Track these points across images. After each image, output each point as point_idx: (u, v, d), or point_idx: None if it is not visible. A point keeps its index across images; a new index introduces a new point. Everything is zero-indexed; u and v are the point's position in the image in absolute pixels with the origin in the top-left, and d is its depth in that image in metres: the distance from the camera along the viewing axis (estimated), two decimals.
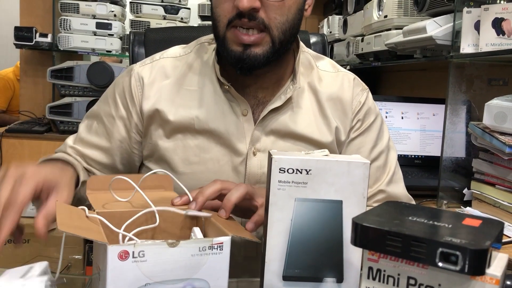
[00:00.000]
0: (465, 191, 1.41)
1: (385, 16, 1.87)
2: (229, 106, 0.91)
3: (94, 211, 0.67)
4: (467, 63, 1.43)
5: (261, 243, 0.92)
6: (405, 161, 1.76)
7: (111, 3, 2.63)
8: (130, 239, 0.65)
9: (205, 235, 0.69)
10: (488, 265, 0.39)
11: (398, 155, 1.75)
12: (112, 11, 2.61)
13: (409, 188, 1.50)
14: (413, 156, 1.77)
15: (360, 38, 2.17)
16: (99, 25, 2.61)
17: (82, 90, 2.49)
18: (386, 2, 1.86)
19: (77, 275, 0.69)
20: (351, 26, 2.35)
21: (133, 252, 0.54)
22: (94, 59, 2.91)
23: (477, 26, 1.33)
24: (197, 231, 0.67)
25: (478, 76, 1.46)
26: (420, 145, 1.77)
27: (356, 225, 0.43)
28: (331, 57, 2.57)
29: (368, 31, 2.06)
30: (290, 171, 0.62)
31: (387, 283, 0.44)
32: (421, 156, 1.77)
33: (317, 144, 0.92)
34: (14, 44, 2.62)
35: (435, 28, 1.48)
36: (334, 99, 0.94)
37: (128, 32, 2.74)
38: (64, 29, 2.60)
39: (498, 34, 1.25)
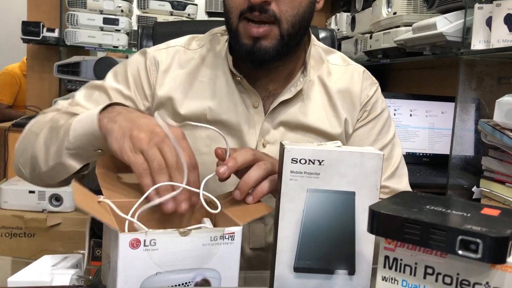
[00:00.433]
0: (474, 189, 1.39)
1: (394, 13, 1.85)
2: (240, 98, 0.91)
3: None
4: (478, 60, 1.42)
5: (270, 233, 0.93)
6: (414, 159, 1.75)
7: None
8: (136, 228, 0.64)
9: (215, 225, 0.69)
10: (509, 254, 0.38)
11: (407, 152, 1.76)
12: (119, 7, 2.61)
13: (417, 186, 1.51)
14: (421, 154, 1.76)
15: (368, 35, 2.16)
16: (106, 21, 2.61)
17: None
18: None
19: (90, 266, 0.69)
20: (359, 23, 2.34)
21: (144, 240, 0.54)
22: (101, 54, 2.91)
23: (488, 22, 1.31)
24: (207, 221, 0.67)
25: (489, 73, 1.45)
26: (428, 143, 1.76)
27: (373, 212, 0.43)
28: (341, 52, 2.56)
29: (376, 28, 2.05)
30: (303, 161, 0.62)
31: (404, 272, 0.43)
32: (430, 154, 1.76)
33: (326, 136, 0.92)
34: (22, 38, 2.63)
35: (446, 24, 1.47)
36: (344, 92, 0.94)
37: (135, 28, 2.74)
38: (71, 24, 2.60)
39: (510, 30, 1.23)
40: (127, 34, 2.67)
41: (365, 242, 0.62)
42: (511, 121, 1.23)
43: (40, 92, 2.82)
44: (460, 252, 0.38)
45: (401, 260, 0.43)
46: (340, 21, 2.60)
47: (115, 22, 2.61)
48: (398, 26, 1.85)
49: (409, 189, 0.97)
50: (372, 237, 0.62)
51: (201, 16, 2.94)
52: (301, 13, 0.83)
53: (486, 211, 0.44)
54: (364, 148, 0.64)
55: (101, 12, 2.61)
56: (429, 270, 0.42)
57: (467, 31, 1.40)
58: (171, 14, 2.73)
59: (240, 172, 0.72)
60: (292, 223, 0.62)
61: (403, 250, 0.43)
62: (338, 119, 0.93)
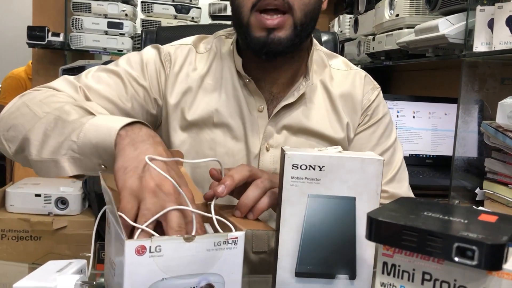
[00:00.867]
0: (477, 190, 1.40)
1: (397, 15, 1.86)
2: (245, 101, 0.91)
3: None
4: (480, 62, 1.42)
5: (272, 236, 0.93)
6: (417, 161, 1.75)
7: (123, 2, 2.64)
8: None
9: (217, 230, 0.70)
10: (505, 261, 0.39)
11: (410, 154, 1.76)
12: (124, 11, 2.62)
13: (420, 188, 1.51)
14: (424, 156, 1.76)
15: (371, 37, 2.17)
16: (110, 25, 2.63)
17: None
18: (397, 1, 1.85)
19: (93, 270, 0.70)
20: (362, 25, 2.35)
21: (150, 247, 0.55)
22: (106, 58, 2.93)
23: (490, 24, 1.32)
24: (207, 227, 0.68)
25: (491, 75, 1.45)
26: (431, 144, 1.76)
27: (371, 219, 0.43)
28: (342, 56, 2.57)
29: (379, 30, 2.06)
30: (303, 167, 0.62)
31: (402, 278, 0.44)
32: (433, 155, 1.76)
33: (329, 140, 0.92)
34: (27, 43, 2.65)
35: (448, 26, 1.47)
36: (346, 96, 0.94)
37: (139, 32, 2.76)
38: (76, 29, 2.62)
39: None
40: (132, 38, 2.69)
41: (366, 247, 0.62)
42: None
43: None
44: (456, 259, 0.39)
45: (399, 266, 0.44)
46: (343, 23, 2.60)
47: (119, 26, 2.63)
48: (401, 28, 1.86)
49: (410, 193, 0.97)
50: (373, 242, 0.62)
51: (205, 19, 2.95)
52: (312, 3, 0.84)
53: (483, 217, 0.44)
54: (364, 153, 0.65)
55: (106, 16, 2.63)
56: (427, 276, 0.42)
57: (469, 33, 1.41)
58: (175, 17, 2.75)
59: (237, 189, 0.72)
60: (293, 228, 0.63)
61: (401, 257, 0.44)
62: (340, 124, 0.93)
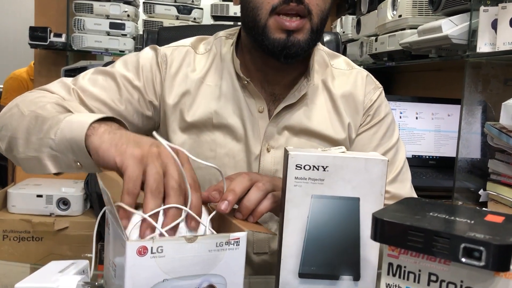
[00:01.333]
0: (480, 192, 1.39)
1: (400, 16, 1.85)
2: (245, 102, 0.91)
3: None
4: (484, 62, 1.42)
5: (273, 238, 0.93)
6: (420, 162, 1.74)
7: (125, 3, 2.64)
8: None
9: (218, 231, 0.69)
10: None
11: (413, 155, 1.76)
12: (126, 11, 2.62)
13: (423, 189, 1.50)
14: (427, 157, 1.75)
15: (374, 38, 2.16)
16: (112, 25, 2.62)
17: None
18: (400, 1, 1.84)
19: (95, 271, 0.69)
20: (365, 26, 2.34)
21: (151, 248, 0.54)
22: (108, 59, 2.93)
23: (494, 25, 1.31)
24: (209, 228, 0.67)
25: (495, 76, 1.44)
26: (434, 145, 1.76)
27: (377, 220, 0.43)
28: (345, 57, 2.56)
29: (382, 31, 2.05)
30: (307, 167, 0.62)
31: (408, 279, 0.43)
32: (436, 156, 1.75)
33: (331, 141, 0.92)
34: (29, 44, 2.65)
35: (451, 27, 1.47)
36: (347, 96, 0.94)
37: (141, 32, 2.76)
38: (78, 29, 2.62)
39: None
40: (134, 38, 2.69)
41: (370, 248, 0.62)
42: None
43: None
44: (463, 259, 0.38)
45: (404, 267, 0.43)
46: (346, 24, 2.60)
47: (121, 26, 2.63)
48: (404, 29, 1.85)
49: (413, 193, 0.96)
50: (377, 243, 0.62)
51: (207, 20, 2.95)
52: (327, 9, 0.85)
53: (490, 218, 0.44)
54: (368, 154, 0.65)
55: (108, 17, 2.63)
56: (433, 277, 0.42)
57: (472, 33, 1.40)
58: (177, 18, 2.74)
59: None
60: (297, 229, 0.63)
61: (406, 257, 0.43)
62: (342, 124, 0.93)
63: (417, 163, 1.74)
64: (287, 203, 0.62)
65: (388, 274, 0.44)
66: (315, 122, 0.91)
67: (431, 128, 1.76)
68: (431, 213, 0.44)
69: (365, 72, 0.99)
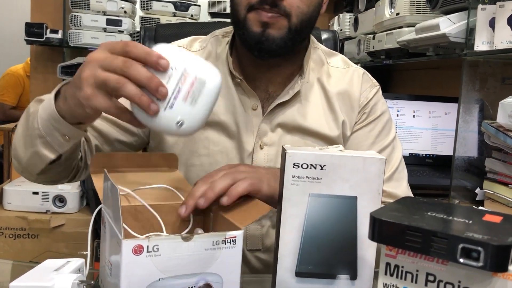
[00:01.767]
0: (477, 190, 1.39)
1: (397, 14, 1.85)
2: (239, 100, 0.91)
3: None
4: (481, 61, 1.42)
5: (267, 234, 0.93)
6: (417, 160, 1.74)
7: None
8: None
9: (214, 229, 0.69)
10: (511, 262, 0.38)
11: (410, 153, 1.76)
12: (123, 8, 2.61)
13: (420, 187, 1.50)
14: (424, 155, 1.75)
15: (371, 36, 2.16)
16: (109, 22, 2.61)
17: None
18: None
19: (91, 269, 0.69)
20: (362, 23, 2.34)
21: (147, 246, 0.54)
22: None
23: (492, 23, 1.31)
24: (200, 232, 0.67)
25: (492, 74, 1.44)
26: (431, 144, 1.76)
27: (375, 219, 0.42)
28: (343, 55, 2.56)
29: (379, 28, 2.05)
30: (304, 166, 0.62)
31: (405, 279, 0.43)
32: (433, 155, 1.75)
33: (324, 138, 0.92)
34: (25, 40, 2.64)
35: (449, 25, 1.46)
36: (343, 94, 0.94)
37: (138, 29, 2.75)
38: (75, 26, 2.61)
39: None
40: (130, 35, 2.68)
41: (367, 247, 0.61)
42: None
43: (44, 93, 2.80)
44: (461, 260, 0.38)
45: (402, 267, 0.43)
46: (343, 22, 2.59)
47: (118, 23, 2.62)
48: (401, 27, 1.85)
49: (409, 192, 0.95)
50: (374, 242, 0.62)
51: (204, 17, 2.94)
52: (310, 11, 0.85)
53: (488, 217, 0.44)
54: (366, 152, 0.64)
55: (104, 13, 2.62)
56: (431, 278, 0.42)
57: (470, 32, 1.40)
58: (174, 15, 2.73)
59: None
60: (294, 228, 0.62)
61: (404, 257, 0.43)
62: (336, 122, 0.93)
63: (414, 162, 1.74)
64: (285, 202, 0.62)
65: (386, 274, 0.44)
66: (309, 119, 0.91)
67: (428, 127, 1.76)
68: (429, 213, 0.44)
69: (362, 70, 0.99)
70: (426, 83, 2.20)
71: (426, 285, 0.42)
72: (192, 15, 2.75)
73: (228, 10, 2.76)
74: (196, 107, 0.63)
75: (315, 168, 0.62)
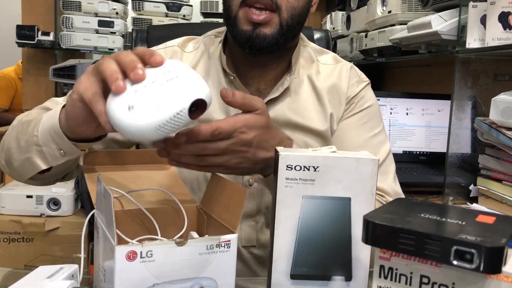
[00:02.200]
0: (471, 187, 1.40)
1: (389, 12, 1.85)
2: None
3: None
4: (473, 58, 1.42)
5: (261, 230, 0.93)
6: (410, 158, 1.75)
7: (113, 1, 2.62)
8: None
9: (208, 232, 0.69)
10: (504, 263, 0.38)
11: (403, 151, 1.76)
12: (114, 9, 2.60)
13: (414, 185, 1.51)
14: (418, 153, 1.76)
15: (363, 34, 2.16)
16: (101, 23, 2.60)
17: None
18: None
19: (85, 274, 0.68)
20: (355, 22, 2.34)
21: (141, 252, 0.54)
22: (97, 57, 2.90)
23: (483, 20, 1.31)
24: (194, 235, 0.67)
25: (484, 71, 1.44)
26: (425, 141, 1.76)
27: (368, 222, 0.42)
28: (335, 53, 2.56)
29: (371, 26, 2.05)
30: (298, 168, 0.61)
31: (399, 281, 0.43)
32: (427, 152, 1.76)
33: (314, 133, 0.93)
34: (16, 42, 2.62)
35: (440, 23, 1.47)
36: (331, 88, 0.95)
37: (130, 30, 2.74)
38: (66, 27, 2.59)
39: (504, 28, 1.23)
40: (123, 36, 2.67)
41: (362, 248, 0.61)
42: (507, 119, 1.23)
43: (36, 96, 2.81)
44: (455, 262, 0.38)
45: (396, 269, 0.43)
46: (336, 20, 2.59)
47: (110, 24, 2.61)
48: (393, 25, 1.85)
49: (396, 187, 0.95)
50: None
51: (196, 17, 2.93)
52: (300, 7, 0.86)
53: (481, 218, 0.44)
54: (359, 153, 0.64)
55: (96, 14, 2.61)
56: (425, 280, 0.42)
57: (462, 29, 1.40)
58: (166, 15, 2.73)
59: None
60: (288, 230, 0.62)
61: (398, 260, 0.43)
62: (324, 115, 0.94)
63: (407, 159, 1.75)
64: (278, 204, 0.62)
65: (380, 276, 0.44)
66: (299, 114, 0.93)
67: (421, 124, 1.77)
68: (422, 214, 0.44)
69: (349, 65, 1.00)
70: (419, 80, 2.21)
71: (420, 287, 0.42)
72: (184, 15, 2.74)
73: (220, 10, 2.75)
74: (162, 107, 0.54)
75: (308, 169, 0.61)
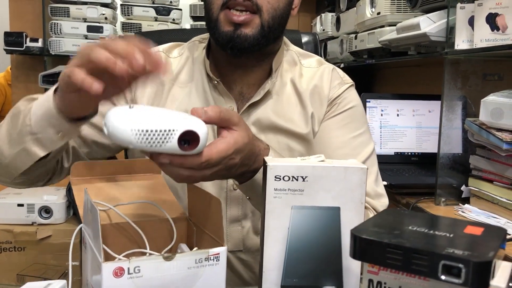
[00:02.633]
0: (463, 188, 1.40)
1: (378, 13, 1.85)
2: (215, 102, 0.93)
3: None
4: (462, 59, 1.42)
5: (247, 235, 0.92)
6: (402, 159, 1.75)
7: (102, 6, 2.60)
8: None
9: (197, 244, 0.68)
10: (492, 276, 0.38)
11: (395, 152, 1.76)
12: (103, 14, 2.58)
13: (407, 187, 1.51)
14: (409, 154, 1.76)
15: (353, 35, 2.16)
16: (90, 29, 2.58)
17: None
18: None
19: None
20: (344, 23, 2.34)
21: (128, 268, 0.53)
22: None
23: (471, 21, 1.31)
24: (184, 247, 0.66)
25: (473, 71, 1.45)
26: (416, 142, 1.76)
27: (355, 237, 0.42)
28: (325, 55, 2.56)
29: (361, 28, 2.05)
30: (286, 178, 0.61)
31: None
32: (418, 153, 1.76)
33: (297, 136, 0.93)
34: (5, 49, 2.60)
35: (429, 24, 1.47)
36: (313, 90, 0.96)
37: (120, 34, 2.72)
38: (55, 33, 2.57)
39: (492, 30, 1.24)
40: None
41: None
42: (496, 120, 1.23)
43: None
44: (443, 277, 0.37)
45: (385, 283, 0.43)
46: (325, 22, 2.59)
47: (99, 29, 2.59)
48: (383, 26, 1.85)
49: (377, 188, 0.94)
50: None
51: (186, 20, 2.92)
52: (281, 8, 0.87)
53: (469, 229, 0.43)
54: (347, 162, 0.64)
55: (85, 20, 2.59)
56: None
57: (450, 30, 1.40)
58: (156, 19, 2.71)
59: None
60: (278, 241, 0.62)
61: (386, 274, 0.42)
62: (306, 118, 0.94)
63: (399, 160, 1.75)
64: (267, 215, 0.61)
65: None
66: (281, 117, 0.93)
67: (412, 125, 1.77)
68: (410, 227, 0.43)
69: (332, 67, 1.00)
70: (410, 80, 2.21)
71: None
72: (174, 19, 2.73)
73: None
74: (156, 119, 0.55)
75: (297, 180, 0.61)
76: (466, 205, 1.37)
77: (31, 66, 2.76)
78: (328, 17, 2.57)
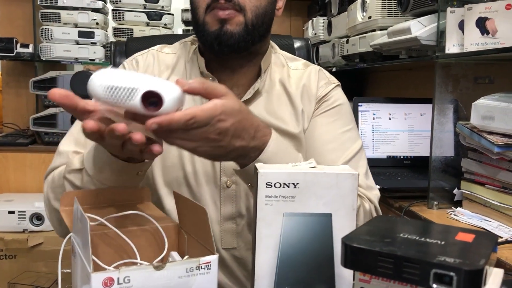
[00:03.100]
0: (455, 191, 1.40)
1: (369, 17, 1.86)
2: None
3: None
4: (453, 63, 1.43)
5: (241, 232, 0.92)
6: (394, 162, 1.75)
7: (93, 11, 2.59)
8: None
9: (188, 252, 0.68)
10: (484, 284, 0.38)
11: (387, 156, 1.76)
12: (94, 19, 2.57)
13: (399, 190, 1.51)
14: (402, 157, 1.76)
15: (345, 39, 2.16)
16: (81, 34, 2.57)
17: None
18: (369, 3, 1.85)
19: None
20: (336, 27, 2.34)
21: (118, 278, 0.52)
22: (78, 68, 2.87)
23: (461, 25, 1.32)
24: (175, 255, 0.65)
25: (464, 75, 1.45)
26: (408, 145, 1.76)
27: (346, 246, 0.42)
28: (317, 59, 2.56)
29: (352, 32, 2.06)
30: (277, 185, 0.61)
31: None
32: (410, 156, 1.76)
33: (288, 135, 0.94)
34: None
35: (420, 28, 1.47)
36: (302, 88, 0.98)
37: (111, 40, 2.71)
38: (46, 39, 2.55)
39: (482, 34, 1.24)
40: (104, 46, 2.64)
41: None
42: (487, 123, 1.24)
43: (17, 109, 2.77)
44: (434, 286, 0.37)
45: None
46: (317, 26, 2.60)
47: (90, 35, 2.57)
48: (374, 30, 1.86)
49: (367, 181, 0.94)
50: None
51: (178, 25, 2.92)
52: (264, 6, 0.90)
53: (460, 236, 0.43)
54: (339, 168, 0.64)
55: (76, 25, 2.57)
56: None
57: (441, 34, 1.41)
58: (147, 24, 2.70)
59: None
60: (270, 248, 0.61)
61: (378, 282, 0.42)
62: (297, 117, 0.96)
63: (392, 164, 1.75)
64: (259, 222, 0.61)
65: None
66: (273, 116, 0.95)
67: (404, 128, 1.77)
68: (401, 235, 0.43)
69: (317, 68, 1.03)
70: (401, 84, 2.22)
71: None
72: (166, 24, 2.72)
73: None
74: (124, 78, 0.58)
75: (288, 186, 0.61)
76: (459, 208, 1.37)
77: (22, 72, 2.74)
78: (320, 21, 2.58)
